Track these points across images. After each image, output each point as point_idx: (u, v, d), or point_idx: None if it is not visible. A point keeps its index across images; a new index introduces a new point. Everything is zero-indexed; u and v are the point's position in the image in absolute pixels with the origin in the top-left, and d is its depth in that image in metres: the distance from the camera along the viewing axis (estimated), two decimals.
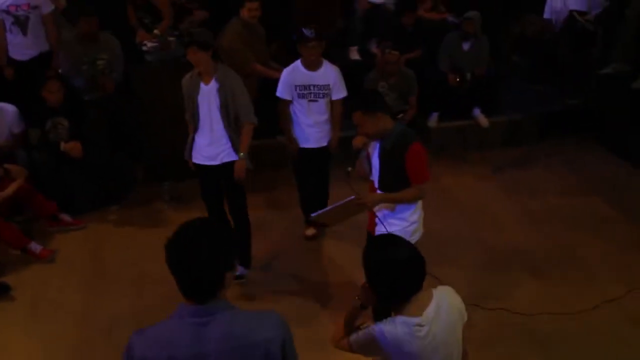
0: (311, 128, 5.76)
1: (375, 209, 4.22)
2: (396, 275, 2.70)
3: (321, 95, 5.67)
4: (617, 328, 4.87)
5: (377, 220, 4.23)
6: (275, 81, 5.85)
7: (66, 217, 6.27)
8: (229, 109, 5.10)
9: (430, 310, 2.74)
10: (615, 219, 6.28)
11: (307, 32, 5.46)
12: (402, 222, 4.19)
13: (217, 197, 5.47)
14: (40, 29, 6.90)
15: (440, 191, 6.78)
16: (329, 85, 5.64)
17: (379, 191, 4.20)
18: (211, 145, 5.23)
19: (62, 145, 6.25)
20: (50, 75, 6.46)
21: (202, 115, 5.16)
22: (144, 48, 6.91)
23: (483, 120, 7.68)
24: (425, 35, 8.06)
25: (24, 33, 6.84)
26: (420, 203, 4.27)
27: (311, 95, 5.66)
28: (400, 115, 7.12)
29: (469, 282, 5.27)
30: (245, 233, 5.47)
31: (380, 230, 4.21)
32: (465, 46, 7.70)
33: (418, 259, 2.76)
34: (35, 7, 6.81)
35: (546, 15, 8.33)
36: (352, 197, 4.12)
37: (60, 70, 6.76)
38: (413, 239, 4.08)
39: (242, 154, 5.17)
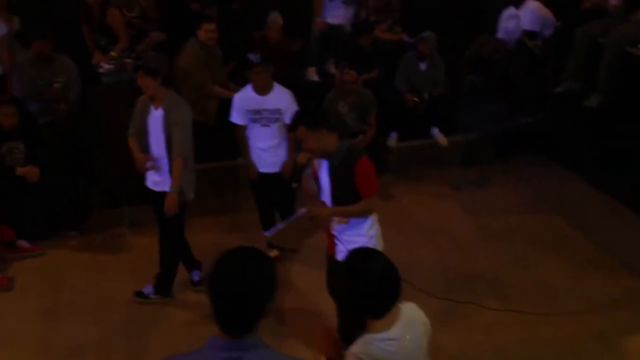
0: (265, 152, 5.77)
1: (332, 226, 4.24)
2: (375, 289, 2.69)
3: (273, 120, 5.68)
4: (581, 344, 4.98)
5: (335, 240, 4.24)
6: None
7: (24, 244, 6.13)
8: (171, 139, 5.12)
9: (399, 324, 2.75)
10: (572, 235, 6.40)
11: (252, 57, 5.47)
12: (361, 238, 4.19)
13: None
14: None
15: (400, 210, 6.85)
16: (280, 109, 5.63)
17: (330, 205, 4.22)
18: (155, 171, 5.27)
19: (18, 170, 6.12)
20: (5, 99, 6.34)
21: (150, 139, 5.21)
22: (101, 70, 6.85)
23: (442, 139, 7.77)
24: (382, 56, 8.15)
25: None
26: (375, 217, 4.29)
27: (263, 120, 5.67)
28: (360, 137, 7.19)
29: (430, 301, 5.29)
30: (166, 263, 5.45)
31: (340, 249, 4.22)
32: (422, 66, 7.81)
33: (394, 271, 2.75)
34: None
35: (500, 35, 8.48)
36: (303, 210, 4.16)
37: (16, 93, 6.64)
38: None
39: (173, 187, 5.11)
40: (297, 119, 4.18)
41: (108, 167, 6.77)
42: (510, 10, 8.42)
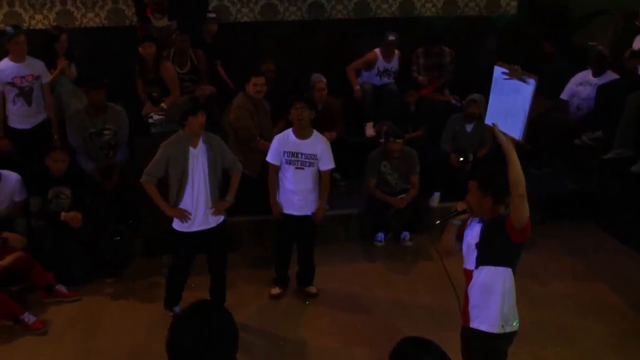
0: (295, 195, 5.95)
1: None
2: None
3: (307, 164, 5.88)
4: None
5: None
6: None
7: (62, 289, 6.19)
8: (217, 167, 5.56)
9: None
10: (616, 306, 6.17)
11: (297, 94, 5.73)
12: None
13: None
14: (41, 99, 7.05)
15: (440, 271, 6.69)
16: (315, 155, 5.87)
17: (472, 268, 4.04)
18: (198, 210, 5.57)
19: (63, 215, 6.25)
20: (55, 145, 6.52)
21: (191, 179, 5.47)
22: (150, 120, 6.98)
23: None
24: (428, 116, 8.15)
25: (29, 103, 6.99)
26: (511, 296, 4.05)
27: (298, 163, 5.88)
28: (402, 196, 7.15)
29: None
30: (224, 283, 5.89)
31: (476, 316, 4.06)
32: (469, 128, 7.76)
33: None
34: (38, 78, 6.99)
35: (564, 96, 8.31)
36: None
37: (70, 140, 6.82)
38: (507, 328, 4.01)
39: (230, 197, 5.68)
40: (476, 172, 4.05)
41: (151, 217, 6.83)
42: (587, 76, 8.20)
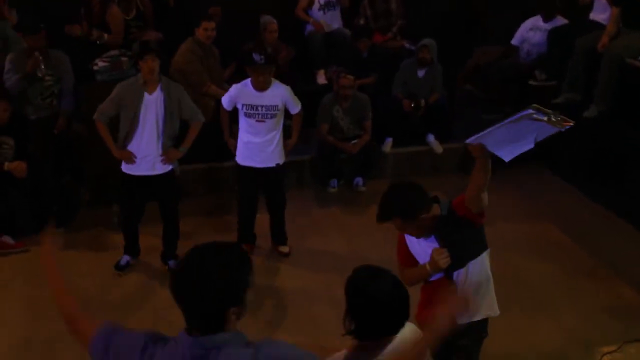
0: (257, 147, 5.75)
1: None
2: (379, 312, 2.63)
3: (269, 116, 5.68)
4: (565, 353, 4.91)
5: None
6: None
7: (7, 240, 6.06)
8: (174, 117, 5.39)
9: (389, 347, 2.67)
10: (565, 244, 6.33)
11: (256, 57, 5.52)
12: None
13: None
14: None
15: None
16: (277, 105, 5.67)
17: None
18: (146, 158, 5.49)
19: (6, 165, 6.06)
20: None
21: (142, 126, 5.35)
22: (95, 67, 6.78)
23: (437, 146, 7.70)
24: (380, 62, 8.08)
25: None
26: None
27: (259, 116, 5.67)
28: (355, 141, 7.13)
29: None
30: (177, 232, 5.85)
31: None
32: (420, 73, 7.73)
33: (403, 296, 2.68)
34: None
35: (514, 42, 8.33)
36: None
37: (6, 86, 6.57)
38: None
39: (182, 148, 5.62)
40: (391, 210, 3.50)
41: (100, 166, 6.69)
42: (537, 21, 8.19)
